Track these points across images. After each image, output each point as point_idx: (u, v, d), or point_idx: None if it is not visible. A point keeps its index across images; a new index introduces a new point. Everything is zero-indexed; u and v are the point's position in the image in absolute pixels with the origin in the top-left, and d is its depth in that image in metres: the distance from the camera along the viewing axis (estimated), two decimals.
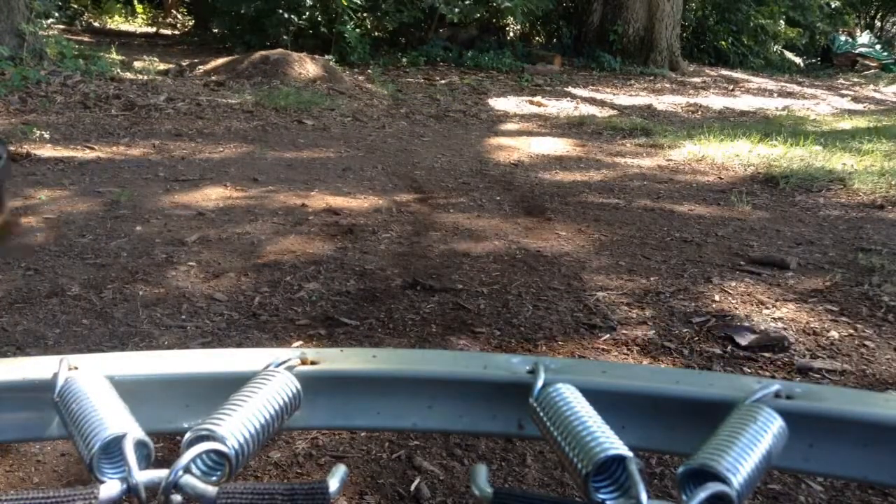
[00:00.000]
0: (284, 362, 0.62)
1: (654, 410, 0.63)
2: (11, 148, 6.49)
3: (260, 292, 3.68)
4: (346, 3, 13.71)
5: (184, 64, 12.45)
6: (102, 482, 0.50)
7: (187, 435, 0.51)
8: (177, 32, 20.12)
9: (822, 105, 13.98)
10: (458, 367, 0.67)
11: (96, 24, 19.66)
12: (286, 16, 13.84)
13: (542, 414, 0.58)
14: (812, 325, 3.47)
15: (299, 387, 0.59)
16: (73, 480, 2.23)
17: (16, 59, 9.78)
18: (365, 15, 14.86)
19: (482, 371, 0.65)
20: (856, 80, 19.38)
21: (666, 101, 12.96)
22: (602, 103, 12.31)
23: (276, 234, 4.62)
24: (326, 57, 13.31)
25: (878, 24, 26.80)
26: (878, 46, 22.85)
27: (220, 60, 12.53)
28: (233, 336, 3.21)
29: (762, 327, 3.41)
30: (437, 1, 14.32)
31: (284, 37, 13.97)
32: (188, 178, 5.98)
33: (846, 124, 11.14)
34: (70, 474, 2.26)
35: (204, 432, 0.51)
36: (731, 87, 15.62)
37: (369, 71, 13.67)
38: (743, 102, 13.56)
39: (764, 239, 4.88)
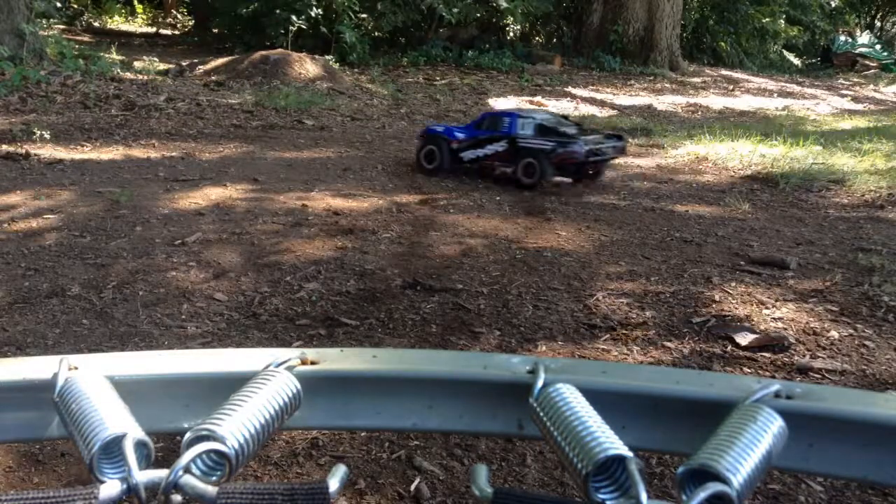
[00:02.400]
0: (284, 362, 0.62)
1: (654, 410, 0.63)
2: (11, 148, 6.50)
3: (260, 292, 3.68)
4: (345, 3, 13.71)
5: (184, 64, 12.45)
6: (102, 482, 0.50)
7: (187, 435, 0.51)
8: (177, 32, 20.13)
9: (822, 105, 13.98)
10: (458, 367, 0.67)
11: (96, 24, 19.66)
12: (286, 16, 13.84)
13: (542, 414, 0.58)
14: (812, 325, 3.46)
15: (299, 387, 0.59)
16: (73, 480, 2.23)
17: (16, 59, 9.78)
18: (364, 16, 14.87)
19: (482, 371, 0.65)
20: (856, 80, 19.39)
21: (666, 101, 12.96)
22: (602, 103, 12.31)
23: (276, 234, 4.62)
24: (326, 57, 13.31)
25: (878, 24, 26.81)
26: (878, 46, 22.86)
27: (220, 60, 12.53)
28: (233, 336, 3.21)
29: (762, 327, 3.41)
30: (437, 1, 14.33)
31: (284, 37, 13.98)
32: (188, 178, 5.98)
33: (846, 124, 11.15)
34: (70, 474, 2.26)
35: (204, 432, 0.51)
36: (730, 87, 15.63)
37: (370, 71, 13.68)
38: (743, 102, 13.57)
39: (764, 239, 4.88)
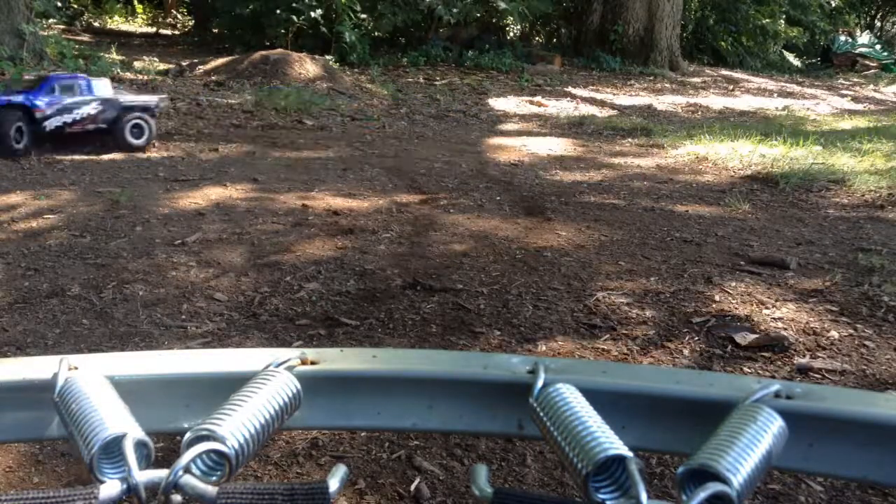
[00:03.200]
0: (284, 362, 0.62)
1: (654, 410, 0.63)
2: None
3: (260, 292, 3.68)
4: (345, 3, 13.71)
5: (184, 64, 12.45)
6: (102, 482, 0.50)
7: (187, 435, 0.51)
8: (177, 32, 20.12)
9: (822, 105, 13.98)
10: (458, 367, 0.67)
11: (96, 24, 19.65)
12: (286, 16, 13.84)
13: (542, 414, 0.58)
14: (812, 325, 3.46)
15: (299, 387, 0.59)
16: (73, 480, 2.23)
17: (16, 59, 9.78)
18: (364, 16, 14.87)
19: (482, 371, 0.65)
20: (856, 80, 19.38)
21: (666, 101, 12.96)
22: (602, 103, 12.31)
23: (276, 234, 4.62)
24: (326, 57, 13.31)
25: (878, 24, 26.81)
26: (878, 46, 22.85)
27: (220, 60, 12.53)
28: (233, 336, 3.21)
29: (762, 327, 3.41)
30: (436, 2, 14.33)
31: (284, 37, 13.98)
32: (188, 178, 5.98)
33: (846, 124, 11.14)
34: (70, 474, 2.26)
35: (204, 432, 0.51)
36: (731, 87, 15.62)
37: (370, 71, 13.68)
38: (743, 102, 13.56)
39: (764, 239, 4.88)
